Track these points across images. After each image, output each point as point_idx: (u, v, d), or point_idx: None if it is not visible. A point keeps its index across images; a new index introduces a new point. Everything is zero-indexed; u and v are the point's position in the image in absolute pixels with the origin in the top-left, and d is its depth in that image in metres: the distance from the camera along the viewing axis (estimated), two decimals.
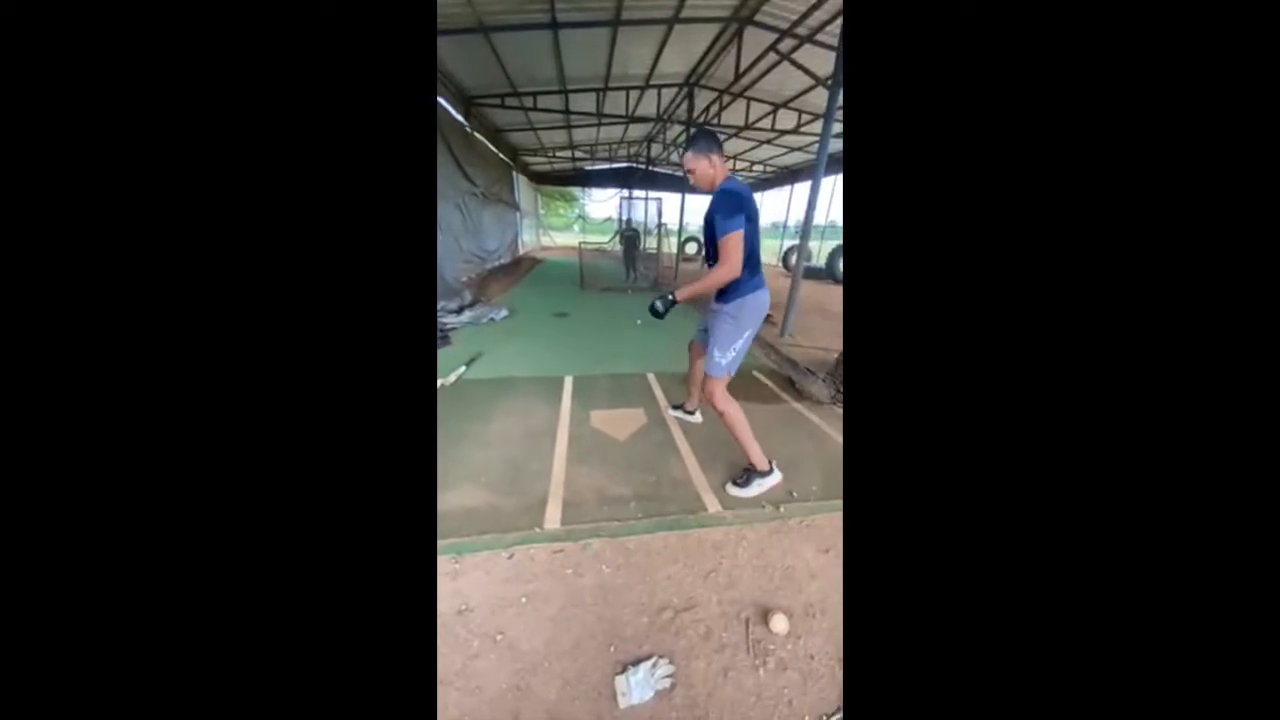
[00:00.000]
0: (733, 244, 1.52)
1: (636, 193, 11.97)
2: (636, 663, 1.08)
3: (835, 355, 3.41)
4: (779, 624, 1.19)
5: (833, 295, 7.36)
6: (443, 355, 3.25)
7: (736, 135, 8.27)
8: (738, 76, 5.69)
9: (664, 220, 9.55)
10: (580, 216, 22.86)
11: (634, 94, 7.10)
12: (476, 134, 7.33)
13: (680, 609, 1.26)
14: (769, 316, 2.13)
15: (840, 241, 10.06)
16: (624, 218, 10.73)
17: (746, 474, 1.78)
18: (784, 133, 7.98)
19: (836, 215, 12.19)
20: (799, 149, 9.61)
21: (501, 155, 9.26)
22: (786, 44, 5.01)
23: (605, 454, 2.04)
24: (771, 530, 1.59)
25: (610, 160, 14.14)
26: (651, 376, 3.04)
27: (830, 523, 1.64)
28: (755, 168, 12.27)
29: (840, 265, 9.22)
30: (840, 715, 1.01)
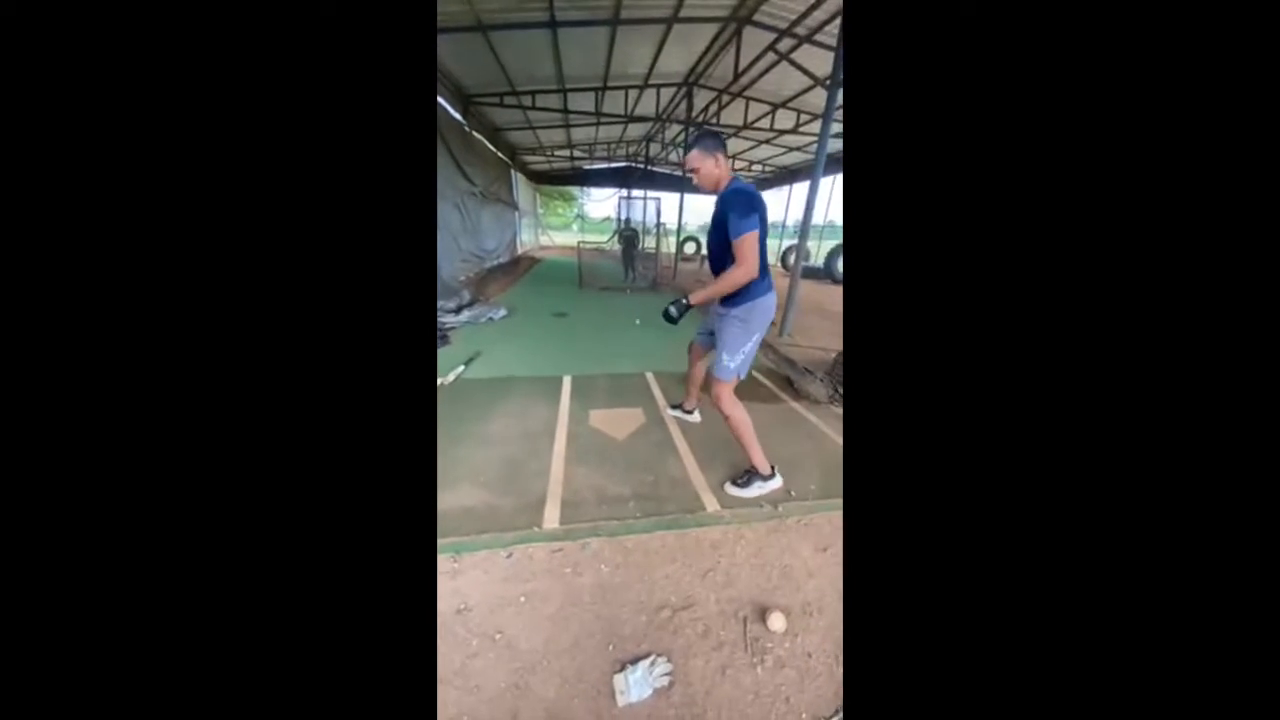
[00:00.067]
0: (749, 245, 1.49)
1: (635, 192, 11.97)
2: (635, 661, 1.09)
3: (833, 355, 3.42)
4: (776, 622, 1.20)
5: (831, 295, 7.38)
6: (441, 355, 3.24)
7: (735, 135, 8.27)
8: (736, 76, 5.70)
9: (662, 220, 9.55)
10: (579, 216, 22.85)
11: (633, 93, 7.10)
12: (475, 133, 7.31)
13: (678, 607, 1.26)
14: None
15: (838, 241, 10.08)
16: (622, 217, 10.73)
17: (747, 475, 1.78)
18: (782, 132, 7.99)
19: (835, 215, 12.22)
20: (797, 149, 9.62)
21: (500, 154, 9.24)
22: (785, 44, 5.02)
23: (604, 453, 2.04)
24: (769, 529, 1.60)
25: (609, 159, 14.13)
26: (650, 376, 3.04)
27: (828, 522, 1.65)
28: (754, 167, 12.28)
29: (838, 265, 9.23)
30: (839, 716, 1.01)
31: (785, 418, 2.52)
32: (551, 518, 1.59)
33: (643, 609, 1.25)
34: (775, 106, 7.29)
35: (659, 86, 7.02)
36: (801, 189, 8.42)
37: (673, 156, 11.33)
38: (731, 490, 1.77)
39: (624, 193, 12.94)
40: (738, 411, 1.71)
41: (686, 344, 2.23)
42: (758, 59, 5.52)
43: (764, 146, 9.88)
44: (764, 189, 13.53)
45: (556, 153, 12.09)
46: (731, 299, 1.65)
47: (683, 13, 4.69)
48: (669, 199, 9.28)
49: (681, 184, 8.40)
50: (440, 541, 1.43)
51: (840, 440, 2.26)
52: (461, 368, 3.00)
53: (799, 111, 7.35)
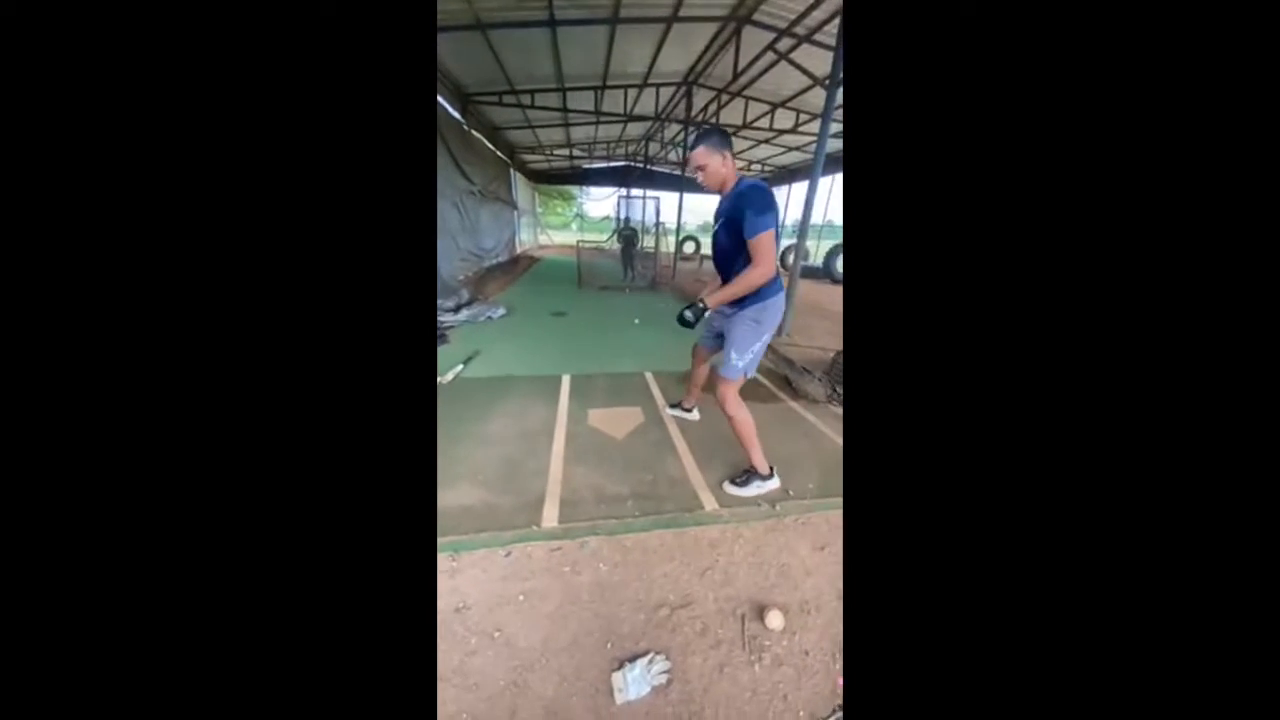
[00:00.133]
0: (766, 243, 1.45)
1: (634, 191, 11.97)
2: (633, 659, 1.09)
3: (832, 354, 3.43)
4: (774, 620, 1.20)
5: (830, 295, 7.39)
6: (440, 354, 3.24)
7: (735, 134, 8.25)
8: (736, 75, 5.69)
9: (662, 219, 9.55)
10: (578, 215, 22.85)
11: (632, 92, 7.09)
12: (474, 131, 7.30)
13: (677, 606, 1.26)
14: None
15: (837, 241, 10.09)
16: (622, 216, 10.72)
17: (746, 475, 1.79)
18: (781, 132, 7.98)
19: (833, 215, 12.21)
20: (796, 149, 9.62)
21: (499, 153, 9.23)
22: (785, 43, 5.02)
23: (603, 452, 2.04)
24: (767, 528, 1.60)
25: (608, 159, 14.11)
26: (649, 375, 3.04)
27: (825, 520, 1.65)
28: (753, 167, 12.27)
29: (837, 264, 9.24)
30: (838, 715, 1.01)
31: (783, 417, 2.53)
32: (550, 516, 1.59)
33: (641, 607, 1.25)
34: (774, 106, 7.29)
35: (658, 86, 7.01)
36: (800, 189, 8.44)
37: (672, 156, 11.32)
38: (730, 489, 1.77)
39: (623, 192, 12.94)
40: (742, 413, 1.70)
41: (685, 343, 2.23)
42: (757, 58, 5.51)
43: (763, 146, 9.87)
44: None
45: (555, 152, 12.08)
46: (743, 299, 1.63)
47: (682, 12, 4.69)
48: (668, 198, 9.28)
49: (681, 183, 8.39)
50: (439, 540, 1.43)
51: (838, 440, 2.26)
52: (460, 367, 2.99)
53: (798, 111, 7.35)
